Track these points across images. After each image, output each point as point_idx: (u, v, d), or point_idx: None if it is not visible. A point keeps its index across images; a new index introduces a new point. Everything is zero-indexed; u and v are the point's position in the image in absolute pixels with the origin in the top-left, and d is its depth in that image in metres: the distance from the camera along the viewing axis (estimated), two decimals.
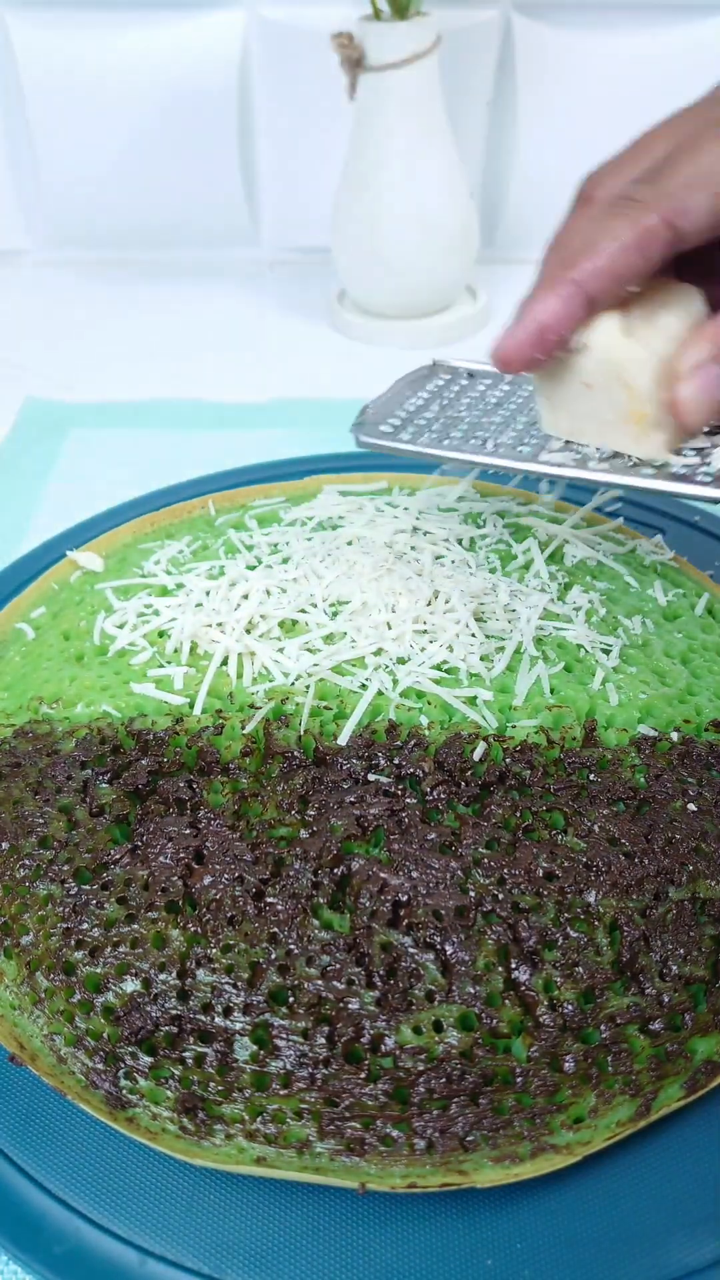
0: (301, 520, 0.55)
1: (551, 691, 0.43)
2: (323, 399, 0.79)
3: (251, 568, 0.51)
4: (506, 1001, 0.34)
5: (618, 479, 0.37)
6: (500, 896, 0.36)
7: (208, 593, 0.48)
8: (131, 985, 0.35)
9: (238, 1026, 0.34)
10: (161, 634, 0.47)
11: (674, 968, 0.35)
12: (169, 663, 0.46)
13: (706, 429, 0.38)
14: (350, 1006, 0.34)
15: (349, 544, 0.51)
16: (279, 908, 0.36)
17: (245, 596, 0.47)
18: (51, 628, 0.50)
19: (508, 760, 0.41)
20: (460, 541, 0.52)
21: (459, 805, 0.39)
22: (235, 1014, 0.34)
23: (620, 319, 0.36)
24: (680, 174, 0.35)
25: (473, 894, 0.36)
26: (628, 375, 0.36)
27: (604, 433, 0.38)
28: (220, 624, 0.47)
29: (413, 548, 0.50)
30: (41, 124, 0.94)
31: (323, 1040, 0.33)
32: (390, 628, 0.46)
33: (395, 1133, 0.32)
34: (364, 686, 0.43)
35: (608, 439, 0.38)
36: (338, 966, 0.35)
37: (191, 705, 0.43)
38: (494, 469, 0.39)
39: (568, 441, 0.39)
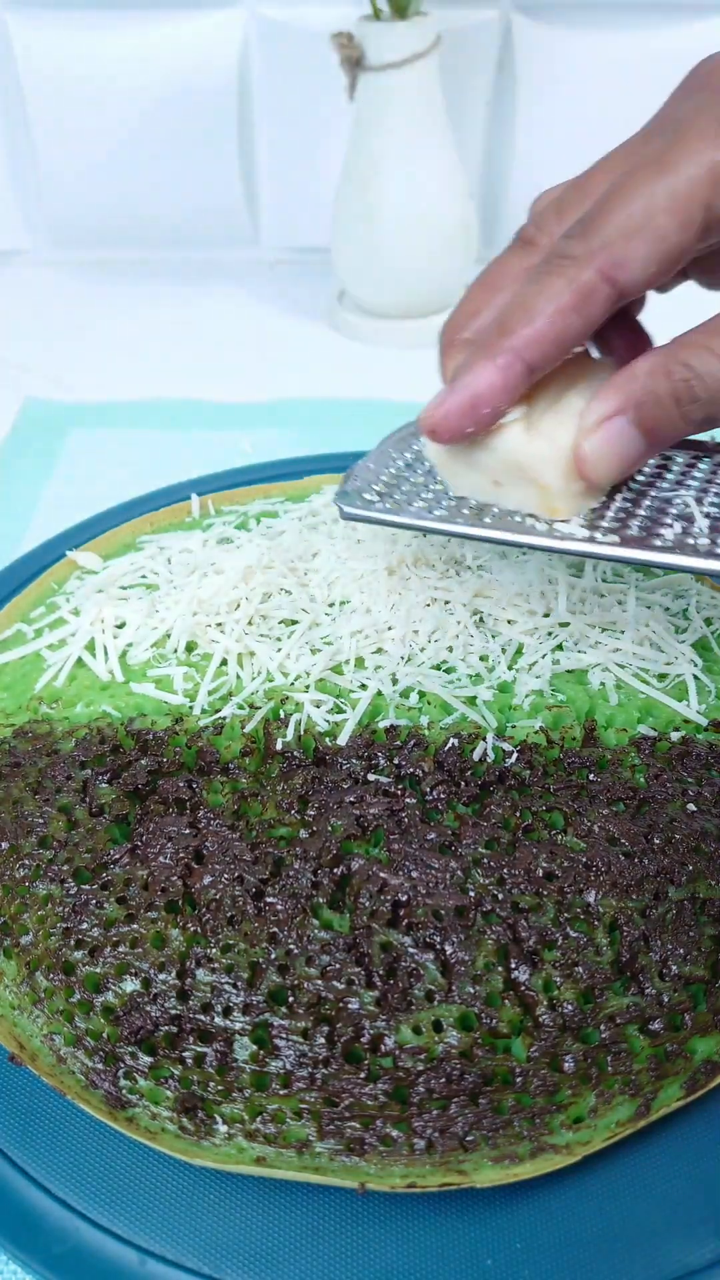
0: (301, 519, 0.55)
1: (552, 691, 0.43)
2: (323, 399, 0.79)
3: (250, 566, 0.51)
4: (506, 1001, 0.34)
5: (641, 555, 0.34)
6: (500, 896, 0.36)
7: (211, 590, 0.48)
8: (131, 985, 0.35)
9: (237, 1026, 0.34)
10: (162, 634, 0.47)
11: (674, 968, 0.35)
12: (169, 663, 0.46)
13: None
14: (350, 1006, 0.34)
15: (348, 543, 0.51)
16: (279, 908, 0.36)
17: (246, 597, 0.47)
18: (51, 627, 0.50)
19: (508, 760, 0.41)
20: (458, 543, 0.52)
21: (459, 805, 0.39)
22: (235, 1014, 0.34)
23: (524, 412, 0.34)
24: (612, 221, 0.31)
25: (472, 894, 0.36)
26: (535, 474, 0.35)
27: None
28: (220, 624, 0.47)
29: (412, 548, 0.50)
30: (41, 124, 0.94)
31: (322, 1040, 0.33)
32: (390, 628, 0.46)
33: (395, 1133, 0.32)
34: (364, 686, 0.43)
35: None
36: (337, 966, 0.35)
37: (191, 705, 0.43)
38: (487, 541, 0.37)
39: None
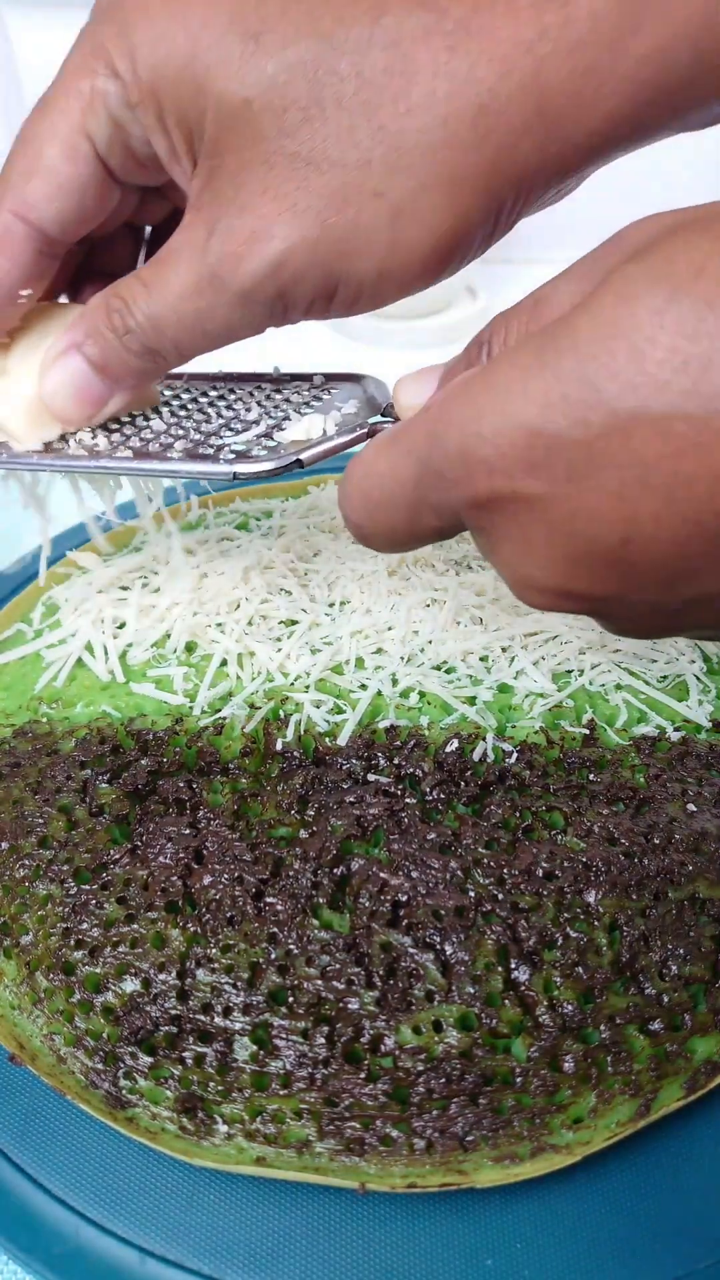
0: (301, 518, 0.55)
1: (552, 691, 0.43)
2: None
3: (250, 566, 0.51)
4: (506, 1001, 0.34)
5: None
6: (500, 896, 0.36)
7: (211, 590, 0.48)
8: (131, 985, 0.35)
9: (237, 1026, 0.34)
10: (162, 634, 0.47)
11: (674, 968, 0.35)
12: (169, 663, 0.46)
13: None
14: (350, 1006, 0.34)
15: (348, 544, 0.51)
16: (279, 908, 0.36)
17: (246, 597, 0.47)
18: (51, 627, 0.50)
19: (508, 760, 0.41)
20: (459, 542, 0.52)
21: (459, 805, 0.39)
22: (235, 1014, 0.34)
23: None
24: (16, 166, 0.32)
25: (472, 894, 0.36)
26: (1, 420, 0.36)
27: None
28: (220, 624, 0.47)
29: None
30: None
31: (322, 1040, 0.33)
32: (390, 628, 0.46)
33: (395, 1133, 0.32)
34: (364, 687, 0.43)
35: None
36: (337, 966, 0.35)
37: (191, 705, 0.43)
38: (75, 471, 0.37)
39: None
